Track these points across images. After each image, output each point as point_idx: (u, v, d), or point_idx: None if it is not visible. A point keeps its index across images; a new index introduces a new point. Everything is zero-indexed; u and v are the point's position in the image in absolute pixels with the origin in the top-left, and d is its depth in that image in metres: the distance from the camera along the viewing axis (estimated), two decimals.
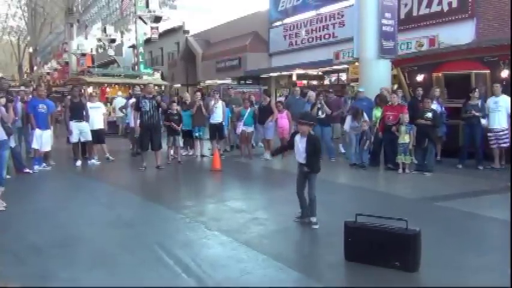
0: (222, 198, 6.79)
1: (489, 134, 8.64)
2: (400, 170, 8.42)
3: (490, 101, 8.67)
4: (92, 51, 39.18)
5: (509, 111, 8.42)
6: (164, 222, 5.46)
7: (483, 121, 8.64)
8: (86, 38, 39.02)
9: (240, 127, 10.89)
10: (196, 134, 10.90)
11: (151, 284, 3.63)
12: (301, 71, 21.26)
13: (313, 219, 5.09)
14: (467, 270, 3.87)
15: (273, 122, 10.56)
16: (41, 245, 4.58)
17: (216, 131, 10.71)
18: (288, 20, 23.88)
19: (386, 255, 3.81)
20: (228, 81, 26.88)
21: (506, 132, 8.42)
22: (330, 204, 5.40)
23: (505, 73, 9.09)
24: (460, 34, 13.97)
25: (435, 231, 4.74)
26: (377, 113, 9.37)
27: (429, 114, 8.29)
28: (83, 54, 37.30)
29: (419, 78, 10.60)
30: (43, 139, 9.08)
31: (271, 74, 24.69)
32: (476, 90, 8.80)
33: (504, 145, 8.54)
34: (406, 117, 8.36)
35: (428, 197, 6.62)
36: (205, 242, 4.69)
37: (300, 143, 5.14)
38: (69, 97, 11.47)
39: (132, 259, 4.19)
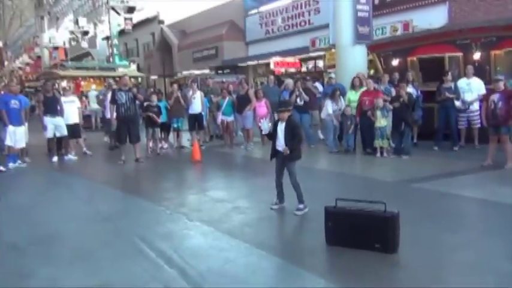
0: (203, 189, 6.78)
1: (461, 115, 8.87)
2: (378, 154, 8.53)
3: (462, 82, 8.86)
4: (64, 44, 38.14)
5: (481, 93, 8.62)
6: (145, 215, 5.41)
7: (457, 103, 8.82)
8: (58, 31, 37.99)
9: (219, 117, 10.89)
10: (175, 126, 10.82)
11: (133, 278, 3.60)
12: (278, 59, 21.24)
13: (300, 206, 5.11)
14: (444, 249, 3.96)
15: (251, 111, 10.54)
16: (18, 243, 4.49)
17: (195, 122, 10.65)
18: (263, 8, 23.77)
19: (366, 238, 3.87)
20: (206, 71, 26.68)
21: (477, 113, 8.63)
22: (311, 191, 5.43)
23: (477, 55, 9.27)
24: (433, 18, 14.17)
25: (413, 212, 4.83)
26: (350, 96, 9.46)
27: (405, 98, 8.41)
28: (56, 48, 36.37)
29: (395, 62, 10.72)
30: (17, 135, 8.86)
31: (249, 63, 24.59)
32: (449, 73, 8.96)
33: (476, 126, 8.79)
34: (380, 101, 8.45)
35: (405, 179, 6.74)
36: (186, 233, 4.68)
37: (280, 130, 5.15)
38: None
39: (113, 253, 4.15)
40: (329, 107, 9.33)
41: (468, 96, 8.77)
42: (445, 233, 4.34)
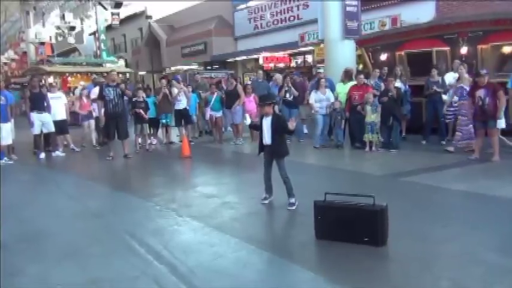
0: (193, 185, 6.76)
1: (449, 109, 8.93)
2: (367, 149, 8.58)
3: (449, 76, 8.94)
4: (51, 40, 37.55)
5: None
6: (134, 211, 5.38)
7: (445, 97, 8.89)
8: (44, 26, 37.40)
9: (208, 113, 10.88)
10: (164, 121, 10.76)
11: (123, 274, 3.58)
12: (267, 54, 21.20)
13: (291, 200, 5.11)
14: (432, 241, 4.00)
15: (240, 106, 10.52)
16: (6, 240, 4.43)
17: (181, 117, 10.60)
18: (252, 3, 23.64)
19: (355, 231, 3.90)
20: (195, 66, 26.53)
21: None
22: (300, 185, 5.45)
23: (464, 50, 9.35)
24: (421, 13, 14.22)
25: (402, 205, 4.88)
26: (338, 88, 9.47)
27: (394, 92, 8.46)
28: (42, 43, 35.75)
29: (383, 57, 10.78)
30: (3, 132, 8.74)
31: (238, 58, 24.49)
32: (437, 67, 9.04)
33: None
34: (370, 96, 8.49)
35: (394, 173, 6.80)
36: (176, 229, 4.66)
37: (266, 125, 5.14)
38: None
39: (102, 250, 4.12)
40: (311, 96, 9.33)
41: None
42: (433, 226, 4.39)
